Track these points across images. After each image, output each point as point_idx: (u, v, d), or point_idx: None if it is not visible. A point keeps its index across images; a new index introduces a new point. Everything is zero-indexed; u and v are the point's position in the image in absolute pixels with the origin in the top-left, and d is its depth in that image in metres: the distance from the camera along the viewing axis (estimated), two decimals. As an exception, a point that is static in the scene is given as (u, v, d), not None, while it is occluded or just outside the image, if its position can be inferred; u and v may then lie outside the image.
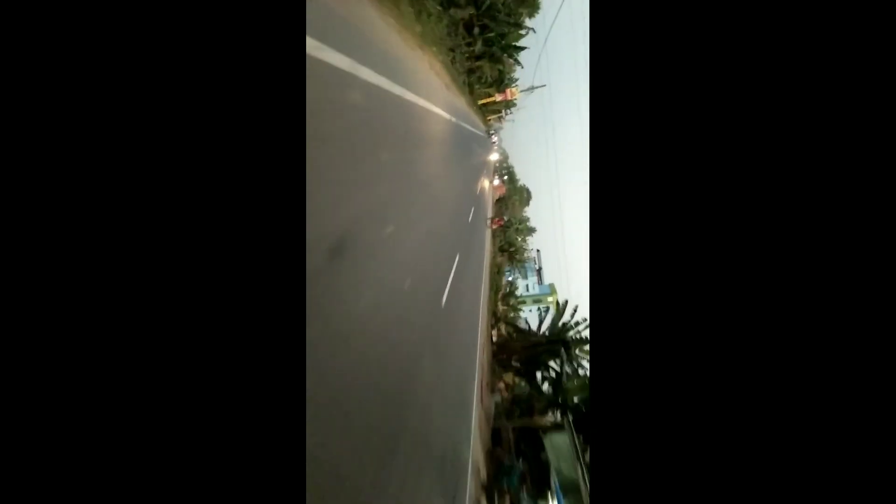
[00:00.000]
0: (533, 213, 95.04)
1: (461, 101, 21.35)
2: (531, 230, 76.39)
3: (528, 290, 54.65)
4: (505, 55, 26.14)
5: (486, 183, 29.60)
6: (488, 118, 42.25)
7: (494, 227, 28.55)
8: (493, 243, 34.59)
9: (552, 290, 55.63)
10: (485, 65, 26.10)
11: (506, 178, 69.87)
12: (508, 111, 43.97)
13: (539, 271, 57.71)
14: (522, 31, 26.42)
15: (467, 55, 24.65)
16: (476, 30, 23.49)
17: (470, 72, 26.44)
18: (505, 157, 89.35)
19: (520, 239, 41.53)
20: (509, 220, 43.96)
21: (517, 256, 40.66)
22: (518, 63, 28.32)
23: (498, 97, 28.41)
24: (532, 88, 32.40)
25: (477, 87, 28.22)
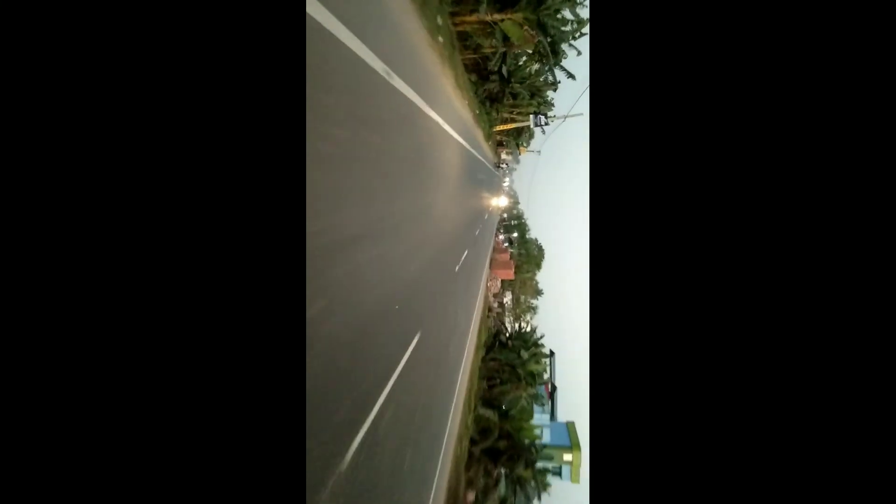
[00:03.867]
0: (545, 275, 73.61)
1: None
2: (538, 293, 54.49)
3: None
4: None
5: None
6: (499, 139, 22.19)
7: None
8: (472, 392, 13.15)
9: (573, 437, 32.09)
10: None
11: (514, 235, 48.45)
12: (539, 125, 22.90)
13: (552, 394, 34.78)
14: None
15: None
16: None
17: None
18: (515, 201, 69.06)
19: (527, 392, 19.12)
20: (518, 340, 22.48)
21: (520, 435, 17.64)
22: None
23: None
24: None
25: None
